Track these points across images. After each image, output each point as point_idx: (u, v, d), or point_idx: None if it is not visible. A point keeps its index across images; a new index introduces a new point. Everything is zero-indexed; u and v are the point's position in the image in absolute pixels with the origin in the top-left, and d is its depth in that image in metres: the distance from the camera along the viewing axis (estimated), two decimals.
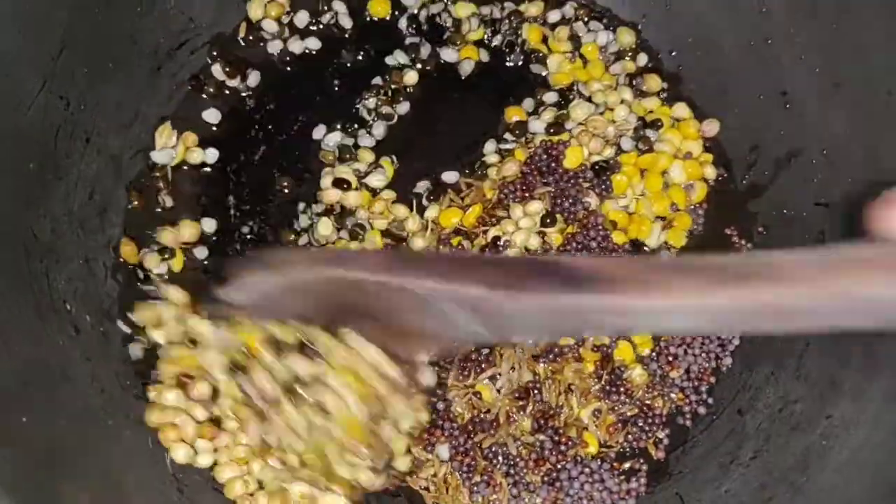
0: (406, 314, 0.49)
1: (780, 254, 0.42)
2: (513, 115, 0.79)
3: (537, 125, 0.78)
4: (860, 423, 0.62)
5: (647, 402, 0.72)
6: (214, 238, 0.75)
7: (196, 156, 0.76)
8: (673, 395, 0.73)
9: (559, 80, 0.80)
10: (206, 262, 0.74)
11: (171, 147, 0.75)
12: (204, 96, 0.78)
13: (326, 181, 0.76)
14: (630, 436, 0.72)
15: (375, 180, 0.76)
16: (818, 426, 0.64)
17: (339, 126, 0.78)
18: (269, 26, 0.79)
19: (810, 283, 0.40)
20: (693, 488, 0.69)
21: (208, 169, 0.76)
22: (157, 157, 0.75)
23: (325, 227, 0.74)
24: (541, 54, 0.81)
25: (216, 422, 0.67)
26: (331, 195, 0.76)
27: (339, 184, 0.76)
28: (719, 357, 0.74)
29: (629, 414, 0.72)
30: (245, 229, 0.75)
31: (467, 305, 0.47)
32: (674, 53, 0.80)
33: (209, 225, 0.75)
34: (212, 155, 0.77)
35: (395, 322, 0.51)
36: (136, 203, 0.74)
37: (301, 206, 0.76)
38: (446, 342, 0.55)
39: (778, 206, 0.74)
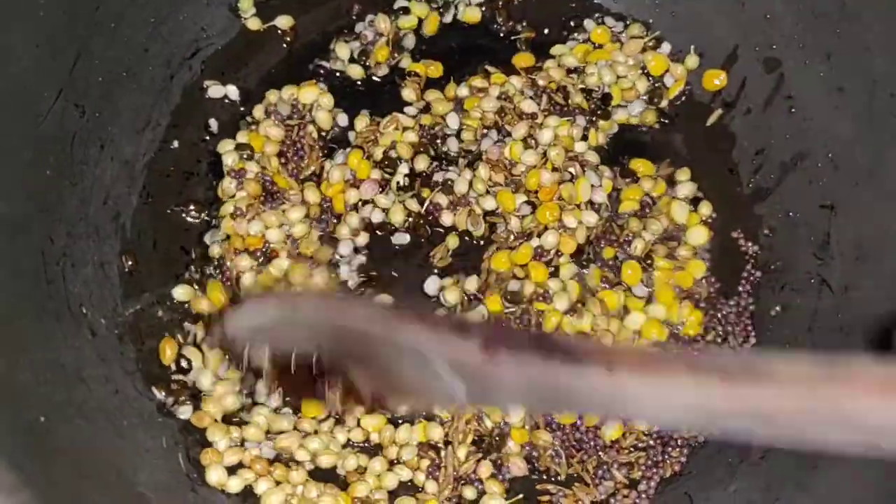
0: (401, 368, 0.49)
1: (779, 358, 0.41)
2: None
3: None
4: None
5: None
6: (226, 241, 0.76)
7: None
8: None
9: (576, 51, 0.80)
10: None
11: None
12: (217, 102, 0.79)
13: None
14: (650, 461, 0.71)
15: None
16: None
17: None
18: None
19: (805, 389, 0.40)
20: (701, 488, 0.69)
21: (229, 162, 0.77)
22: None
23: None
24: None
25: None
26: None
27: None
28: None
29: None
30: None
31: (458, 366, 0.46)
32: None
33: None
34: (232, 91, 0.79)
35: (387, 374, 0.50)
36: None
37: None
38: (428, 401, 0.57)
39: (783, 209, 0.75)
